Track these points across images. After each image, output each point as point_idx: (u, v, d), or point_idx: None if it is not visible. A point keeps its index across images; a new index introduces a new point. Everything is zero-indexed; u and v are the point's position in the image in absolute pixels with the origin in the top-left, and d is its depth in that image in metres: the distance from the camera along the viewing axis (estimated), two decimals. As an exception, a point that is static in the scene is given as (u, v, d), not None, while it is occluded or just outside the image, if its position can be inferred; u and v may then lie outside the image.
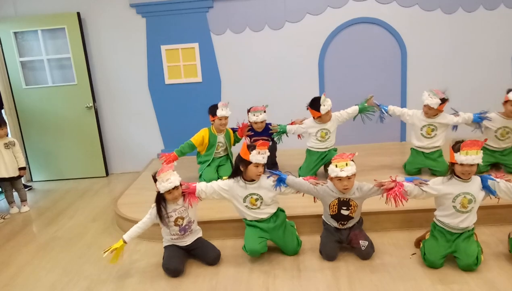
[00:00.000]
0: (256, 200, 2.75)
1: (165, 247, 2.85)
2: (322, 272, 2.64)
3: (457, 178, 2.49)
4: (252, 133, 3.91)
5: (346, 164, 2.53)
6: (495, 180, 2.49)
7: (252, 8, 4.71)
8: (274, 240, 2.85)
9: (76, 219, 3.90)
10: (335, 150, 3.79)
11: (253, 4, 4.69)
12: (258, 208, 2.77)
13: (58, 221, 3.88)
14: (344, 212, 2.70)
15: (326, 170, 3.85)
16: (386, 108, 3.77)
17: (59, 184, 5.14)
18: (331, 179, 2.63)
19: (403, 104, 4.78)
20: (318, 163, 3.79)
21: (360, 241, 2.73)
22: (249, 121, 3.94)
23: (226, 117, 3.80)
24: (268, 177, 2.78)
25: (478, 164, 2.42)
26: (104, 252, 2.63)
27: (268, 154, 2.72)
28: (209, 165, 3.87)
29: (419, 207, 2.86)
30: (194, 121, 4.21)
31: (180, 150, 3.86)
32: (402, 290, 2.40)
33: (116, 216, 3.61)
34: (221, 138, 3.91)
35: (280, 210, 2.88)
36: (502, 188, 2.47)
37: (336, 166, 2.54)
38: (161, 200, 2.69)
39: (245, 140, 3.93)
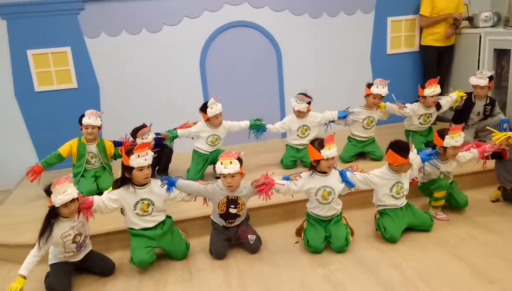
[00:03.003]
0: (148, 205, 2.72)
1: (52, 265, 2.62)
2: (213, 271, 2.71)
3: (318, 173, 2.79)
4: None
5: (231, 162, 2.65)
6: (352, 171, 2.87)
7: (127, 10, 4.55)
8: (162, 247, 2.84)
9: None
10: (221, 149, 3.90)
11: (128, 7, 4.54)
12: (150, 214, 2.74)
13: None
14: (232, 210, 2.80)
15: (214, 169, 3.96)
16: (265, 128, 4.00)
17: None
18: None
19: (282, 105, 5.06)
20: (205, 163, 3.87)
21: (248, 236, 2.87)
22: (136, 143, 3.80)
23: (93, 127, 3.65)
24: (160, 184, 2.78)
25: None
26: None
27: (151, 154, 2.70)
28: (83, 175, 3.68)
29: (299, 199, 3.08)
30: (72, 130, 3.93)
31: (46, 160, 3.68)
32: (289, 278, 2.58)
33: (-18, 242, 3.22)
34: (92, 148, 3.74)
35: (167, 217, 2.88)
36: (359, 179, 2.85)
37: (222, 163, 2.66)
38: (53, 216, 2.47)
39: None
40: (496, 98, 4.25)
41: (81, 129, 3.71)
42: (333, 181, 2.80)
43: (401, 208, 2.92)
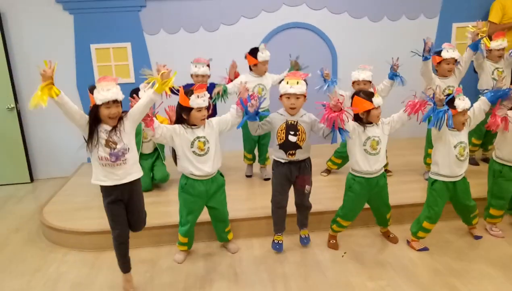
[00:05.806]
0: (204, 143, 2.64)
1: (106, 207, 2.42)
2: (258, 275, 2.68)
3: (366, 124, 2.70)
4: None
5: (297, 82, 2.59)
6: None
7: (186, 8, 4.64)
8: (211, 204, 2.77)
9: (-4, 230, 3.61)
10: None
11: (187, 5, 4.62)
12: (206, 153, 2.64)
13: (-25, 233, 3.57)
14: (292, 138, 2.68)
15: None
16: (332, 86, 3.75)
17: (-24, 191, 4.72)
18: (281, 96, 2.69)
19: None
20: None
21: (306, 186, 2.82)
22: (191, 75, 3.86)
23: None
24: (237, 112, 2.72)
25: None
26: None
27: (208, 95, 2.64)
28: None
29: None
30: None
31: None
32: (337, 290, 2.50)
33: (41, 225, 3.39)
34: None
35: (220, 174, 2.81)
36: (395, 119, 2.80)
37: (287, 83, 2.60)
38: (95, 116, 2.33)
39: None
40: None
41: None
42: (379, 131, 2.72)
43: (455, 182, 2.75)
